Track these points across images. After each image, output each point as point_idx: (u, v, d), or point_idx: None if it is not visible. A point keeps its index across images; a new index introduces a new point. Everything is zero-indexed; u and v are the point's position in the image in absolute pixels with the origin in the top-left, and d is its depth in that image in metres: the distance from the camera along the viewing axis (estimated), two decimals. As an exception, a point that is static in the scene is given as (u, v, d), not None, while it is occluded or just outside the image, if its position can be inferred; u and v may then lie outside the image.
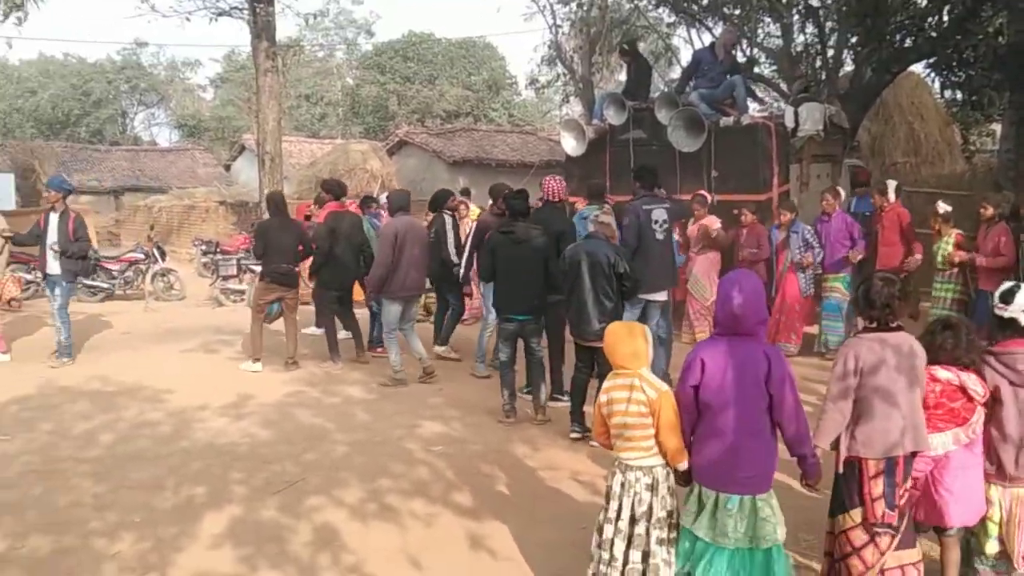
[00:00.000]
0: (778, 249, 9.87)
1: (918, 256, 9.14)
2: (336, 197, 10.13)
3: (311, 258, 9.64)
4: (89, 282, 15.08)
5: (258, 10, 16.33)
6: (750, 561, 3.64)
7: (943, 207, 8.84)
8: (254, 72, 17.99)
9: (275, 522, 5.24)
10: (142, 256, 15.64)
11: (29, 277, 14.37)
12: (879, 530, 3.87)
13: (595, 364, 6.77)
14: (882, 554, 3.87)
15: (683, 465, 3.83)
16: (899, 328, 3.93)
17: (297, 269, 9.58)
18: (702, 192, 10.30)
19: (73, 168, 31.93)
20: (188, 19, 17.72)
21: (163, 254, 15.99)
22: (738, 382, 3.60)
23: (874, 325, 3.95)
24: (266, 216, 10.57)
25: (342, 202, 10.25)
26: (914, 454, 3.94)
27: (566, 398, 7.47)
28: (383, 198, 15.33)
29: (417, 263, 8.67)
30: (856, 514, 3.92)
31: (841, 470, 3.98)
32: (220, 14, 17.26)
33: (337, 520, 5.26)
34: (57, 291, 9.49)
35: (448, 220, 9.70)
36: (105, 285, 15.24)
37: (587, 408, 6.80)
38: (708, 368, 3.65)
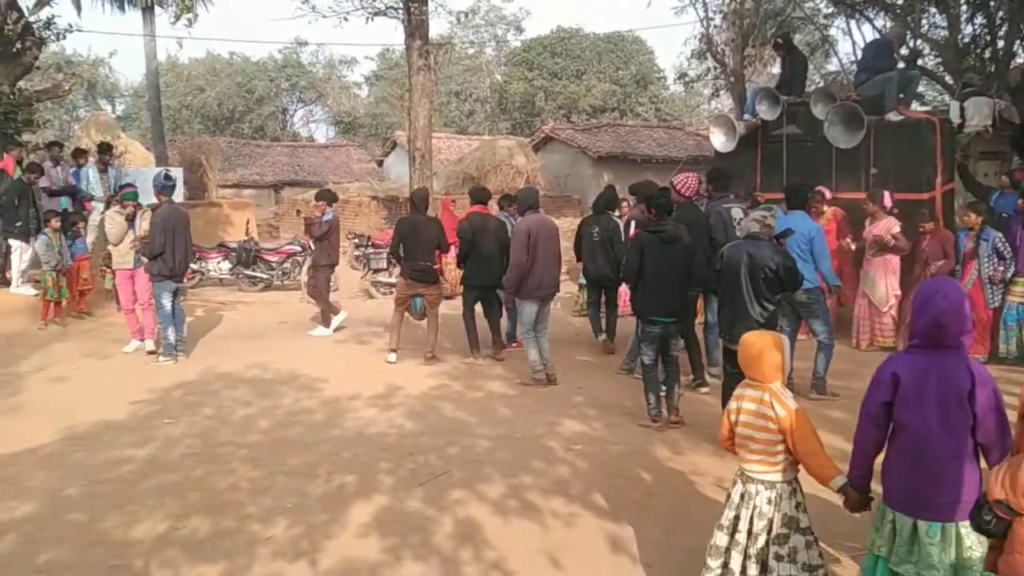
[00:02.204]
0: (966, 257, 9.34)
1: None
2: (480, 203, 10.17)
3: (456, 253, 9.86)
4: (250, 272, 15.84)
5: (412, 9, 16.70)
6: None
7: None
8: (407, 70, 18.42)
9: (419, 514, 5.35)
10: (299, 249, 16.26)
11: (195, 267, 15.18)
12: None
13: None
14: None
15: (836, 482, 3.66)
16: None
17: (437, 266, 9.74)
18: (878, 190, 9.89)
19: (236, 163, 33.55)
20: (346, 19, 18.24)
21: (319, 247, 16.57)
22: (939, 400, 3.31)
23: None
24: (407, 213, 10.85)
25: (486, 204, 10.31)
26: None
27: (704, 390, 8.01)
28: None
29: (551, 262, 8.66)
30: None
31: None
32: (376, 14, 17.75)
33: (479, 515, 5.33)
34: None
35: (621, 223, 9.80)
36: (264, 276, 15.96)
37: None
38: (904, 384, 3.38)
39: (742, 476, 3.92)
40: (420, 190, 10.70)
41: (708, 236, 8.14)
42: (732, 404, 3.99)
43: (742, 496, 3.87)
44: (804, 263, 7.89)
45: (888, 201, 9.76)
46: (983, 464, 3.38)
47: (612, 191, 10.68)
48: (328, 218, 11.17)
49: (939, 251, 9.39)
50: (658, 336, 7.17)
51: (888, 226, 9.55)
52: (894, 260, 9.71)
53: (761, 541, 3.78)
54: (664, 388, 7.35)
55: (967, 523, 3.29)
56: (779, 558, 3.75)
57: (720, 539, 3.91)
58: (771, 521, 3.78)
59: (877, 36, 16.69)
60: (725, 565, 3.86)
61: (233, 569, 4.60)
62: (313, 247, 11.66)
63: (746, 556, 3.79)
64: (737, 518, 3.86)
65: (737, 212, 8.34)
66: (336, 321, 11.39)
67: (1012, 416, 3.26)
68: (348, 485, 5.83)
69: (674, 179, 8.47)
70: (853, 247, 9.99)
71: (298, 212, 12.21)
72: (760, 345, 3.94)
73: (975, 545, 3.30)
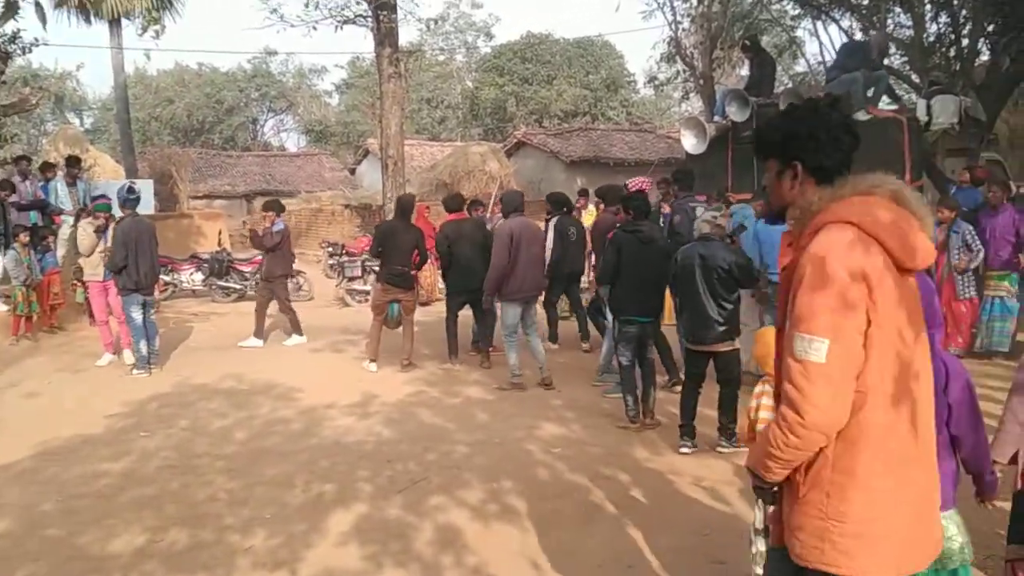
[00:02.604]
0: (937, 249, 9.48)
1: None
2: (454, 211, 10.13)
3: (429, 262, 9.89)
4: (223, 283, 15.74)
5: (381, 18, 16.68)
6: None
7: None
8: (377, 78, 18.40)
9: (399, 520, 5.34)
10: (272, 258, 16.17)
11: (167, 279, 15.08)
12: None
13: (716, 370, 6.66)
14: None
15: None
16: None
17: (414, 272, 9.76)
18: None
19: (207, 173, 33.34)
20: (315, 28, 18.16)
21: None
22: None
23: None
24: (390, 218, 10.82)
25: (462, 211, 10.30)
26: None
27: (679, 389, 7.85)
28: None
29: (535, 263, 8.70)
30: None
31: (1020, 487, 3.58)
32: (345, 22, 17.68)
33: (459, 520, 5.33)
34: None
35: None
36: (238, 286, 15.87)
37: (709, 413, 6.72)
38: None
39: None
40: (405, 196, 10.73)
41: (665, 238, 8.27)
42: (752, 402, 3.97)
43: None
44: None
45: None
46: None
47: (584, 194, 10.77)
48: (280, 228, 11.07)
49: None
50: (635, 336, 7.18)
51: None
52: None
53: None
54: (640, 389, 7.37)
55: (947, 513, 3.27)
56: None
57: (761, 544, 3.80)
58: None
59: (848, 38, 16.90)
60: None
61: (213, 581, 4.57)
62: (264, 259, 11.44)
63: None
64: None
65: (701, 210, 8.45)
66: (250, 343, 11.11)
67: (986, 406, 3.29)
68: (327, 494, 5.81)
69: (628, 183, 8.55)
70: None
71: (244, 223, 12.07)
72: (773, 341, 3.91)
73: (955, 536, 3.30)
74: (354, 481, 6.04)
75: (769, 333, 4.02)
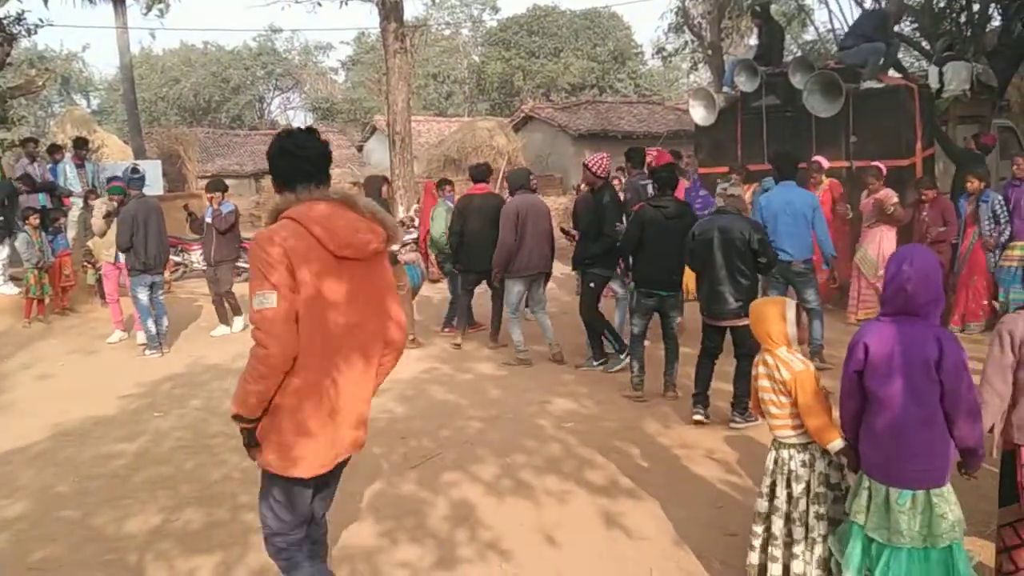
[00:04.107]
0: (967, 222, 9.36)
1: None
2: (474, 180, 9.83)
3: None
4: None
5: (386, -8, 16.55)
6: (925, 561, 3.33)
7: None
8: (383, 54, 18.29)
9: (414, 496, 5.36)
10: (281, 237, 16.13)
11: (177, 259, 15.09)
12: None
13: (733, 343, 6.63)
14: None
15: (834, 445, 3.65)
16: None
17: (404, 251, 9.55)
18: (877, 164, 9.84)
19: (215, 153, 33.29)
20: (319, 4, 18.08)
21: (301, 235, 16.47)
22: (906, 368, 3.28)
23: None
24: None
25: (486, 183, 9.91)
26: None
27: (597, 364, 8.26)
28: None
29: (541, 241, 8.64)
30: (1014, 508, 3.65)
31: (998, 455, 3.73)
32: (349, -3, 17.57)
33: (473, 495, 5.34)
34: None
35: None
36: (247, 265, 15.81)
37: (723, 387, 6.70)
38: (872, 353, 3.36)
39: (774, 442, 3.93)
40: (370, 177, 10.59)
41: (623, 214, 8.26)
42: (754, 371, 4.05)
43: (776, 462, 3.88)
44: (805, 234, 7.90)
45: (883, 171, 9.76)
46: None
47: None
48: (230, 209, 10.65)
49: (939, 219, 9.35)
50: (652, 308, 7.27)
51: (887, 195, 9.53)
52: (890, 233, 9.60)
53: (803, 504, 3.77)
54: (656, 364, 7.39)
55: (939, 490, 3.32)
56: (819, 517, 3.74)
57: (761, 506, 3.92)
58: (808, 483, 3.78)
59: (858, 5, 16.70)
60: (767, 530, 3.88)
61: (228, 559, 4.59)
62: (213, 242, 10.65)
63: (788, 520, 3.79)
64: (774, 484, 3.87)
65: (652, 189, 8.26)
66: (220, 332, 10.84)
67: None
68: (340, 471, 5.81)
69: (588, 161, 8.26)
70: (851, 214, 9.94)
71: (186, 207, 11.69)
72: (761, 312, 4.02)
73: (947, 513, 3.31)
74: (367, 458, 6.02)
75: (763, 304, 4.09)
